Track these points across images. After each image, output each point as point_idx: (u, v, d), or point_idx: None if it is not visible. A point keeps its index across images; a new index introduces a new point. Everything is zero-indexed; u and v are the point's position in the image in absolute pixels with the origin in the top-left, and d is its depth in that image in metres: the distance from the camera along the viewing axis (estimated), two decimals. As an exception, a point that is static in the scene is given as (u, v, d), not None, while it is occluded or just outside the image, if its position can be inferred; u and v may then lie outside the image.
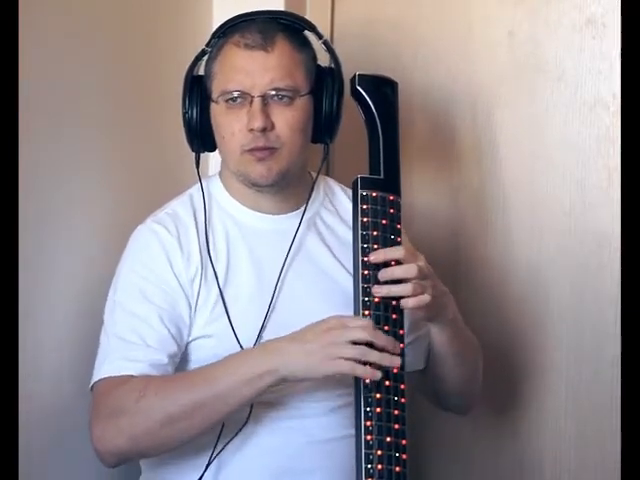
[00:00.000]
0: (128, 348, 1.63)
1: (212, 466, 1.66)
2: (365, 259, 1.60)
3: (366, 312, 1.59)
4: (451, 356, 1.78)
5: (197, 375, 1.62)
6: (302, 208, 1.78)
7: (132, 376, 1.61)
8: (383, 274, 1.60)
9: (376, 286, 1.60)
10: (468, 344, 1.83)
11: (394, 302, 1.61)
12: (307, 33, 1.76)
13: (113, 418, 1.59)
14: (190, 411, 1.57)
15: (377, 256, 1.61)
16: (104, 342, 1.68)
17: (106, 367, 1.64)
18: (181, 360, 1.69)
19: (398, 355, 1.55)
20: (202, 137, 1.74)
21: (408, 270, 1.61)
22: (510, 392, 2.15)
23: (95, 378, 1.64)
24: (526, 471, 2.14)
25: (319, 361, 1.53)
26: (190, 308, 1.68)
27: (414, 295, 1.60)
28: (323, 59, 1.77)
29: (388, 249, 1.62)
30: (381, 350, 1.54)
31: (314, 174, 1.82)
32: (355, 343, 1.53)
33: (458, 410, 1.97)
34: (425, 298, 1.61)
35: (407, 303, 1.61)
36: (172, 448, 1.64)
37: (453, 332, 1.75)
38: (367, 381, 1.55)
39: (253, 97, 1.67)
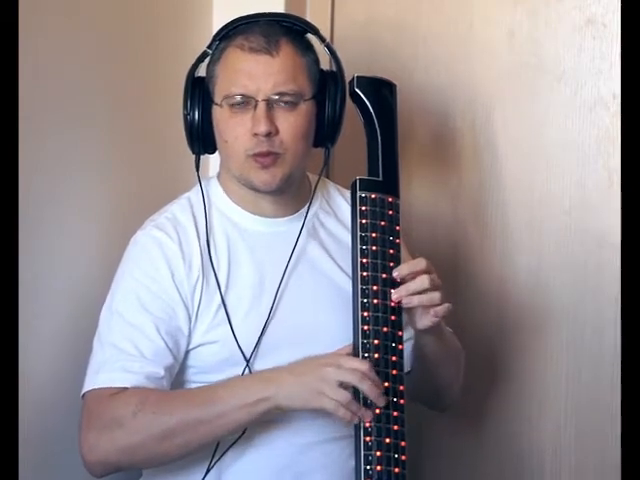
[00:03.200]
0: (124, 359, 1.62)
1: (213, 469, 1.66)
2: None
3: (365, 313, 1.60)
4: (438, 360, 1.78)
5: (195, 395, 1.62)
6: (302, 211, 1.78)
7: (127, 388, 1.61)
8: (400, 293, 1.61)
9: (407, 297, 1.62)
10: (452, 346, 1.83)
11: (392, 304, 1.62)
12: (309, 36, 1.75)
13: (107, 430, 1.59)
14: (186, 429, 1.57)
15: (401, 272, 1.63)
16: (98, 350, 1.66)
17: (101, 377, 1.62)
18: (180, 367, 1.69)
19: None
20: (203, 139, 1.73)
21: (434, 280, 1.63)
22: (510, 392, 2.15)
23: (88, 387, 1.63)
24: (526, 470, 2.14)
25: (308, 395, 1.55)
26: (190, 319, 1.67)
27: (440, 304, 1.63)
28: (324, 61, 1.77)
29: (411, 263, 1.64)
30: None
31: (311, 176, 1.82)
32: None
33: (438, 406, 1.97)
34: (449, 306, 1.64)
35: (438, 311, 1.63)
36: (163, 463, 1.65)
37: (442, 340, 1.75)
38: None
39: (257, 101, 1.67)
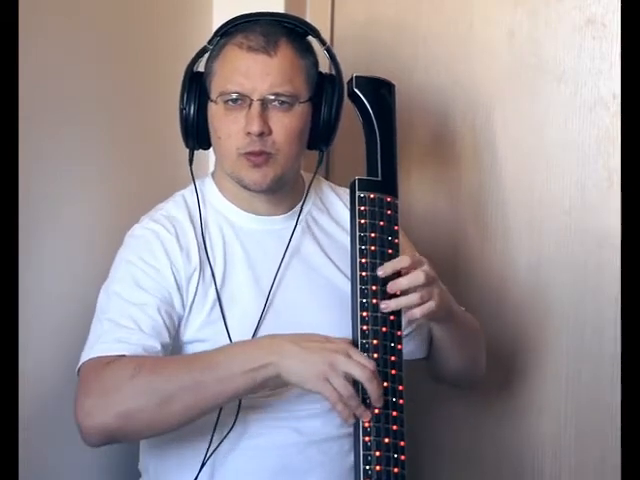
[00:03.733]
0: (122, 331, 1.61)
1: (208, 467, 1.65)
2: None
3: (364, 314, 1.59)
4: (454, 345, 1.79)
5: (194, 358, 1.60)
6: (295, 209, 1.78)
7: (124, 356, 1.59)
8: (392, 287, 1.61)
9: (383, 302, 1.60)
10: (468, 329, 1.83)
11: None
12: (310, 38, 1.75)
13: (104, 394, 1.56)
14: (185, 394, 1.55)
15: (385, 270, 1.61)
16: (96, 325, 1.65)
17: (98, 347, 1.61)
18: None
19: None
20: (198, 134, 1.73)
21: (415, 279, 1.61)
22: (510, 392, 2.15)
23: (84, 358, 1.61)
24: (526, 470, 2.14)
25: (311, 375, 1.53)
26: (183, 307, 1.67)
27: (422, 304, 1.62)
28: (323, 63, 1.77)
29: (395, 260, 1.63)
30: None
31: (305, 174, 1.82)
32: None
33: (463, 385, 1.98)
34: (431, 305, 1.63)
35: (415, 313, 1.62)
36: (163, 431, 1.61)
37: (454, 325, 1.76)
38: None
39: (252, 100, 1.67)
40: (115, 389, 1.56)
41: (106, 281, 1.70)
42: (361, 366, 1.53)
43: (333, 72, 1.76)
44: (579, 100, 2.06)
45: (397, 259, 1.63)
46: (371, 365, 1.54)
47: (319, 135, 1.74)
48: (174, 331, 1.66)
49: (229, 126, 1.68)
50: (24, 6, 1.50)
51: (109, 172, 1.89)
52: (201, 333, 1.68)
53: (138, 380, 1.55)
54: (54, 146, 1.74)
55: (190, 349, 1.68)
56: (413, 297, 1.61)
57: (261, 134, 1.66)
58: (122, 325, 1.62)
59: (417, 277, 1.62)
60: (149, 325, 1.62)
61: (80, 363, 1.62)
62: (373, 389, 1.54)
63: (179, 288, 1.67)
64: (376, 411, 1.55)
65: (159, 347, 1.62)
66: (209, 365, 1.57)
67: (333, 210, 1.84)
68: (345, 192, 1.84)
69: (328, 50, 1.76)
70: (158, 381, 1.56)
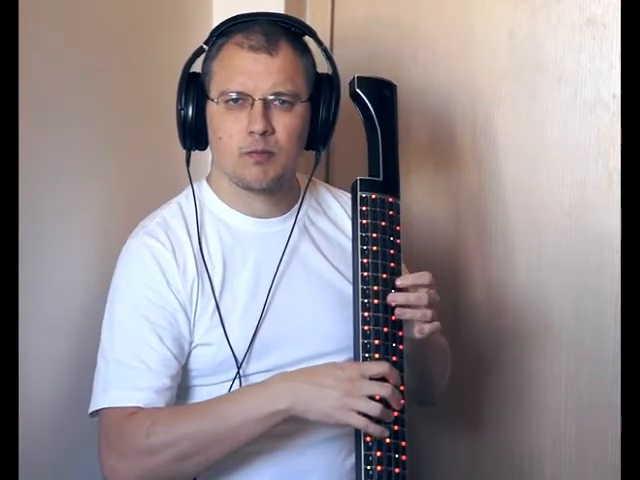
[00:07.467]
0: (131, 375, 1.61)
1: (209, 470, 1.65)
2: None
3: (365, 313, 1.60)
4: (426, 362, 1.78)
5: (206, 410, 1.60)
6: (292, 210, 1.78)
7: (139, 407, 1.60)
8: (396, 299, 1.61)
9: (399, 309, 1.61)
10: (440, 348, 1.83)
11: (393, 304, 1.62)
12: (306, 38, 1.75)
13: (125, 454, 1.58)
14: (201, 447, 1.57)
15: (405, 282, 1.63)
16: (102, 366, 1.65)
17: (110, 395, 1.61)
18: (182, 370, 1.68)
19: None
20: (195, 135, 1.73)
21: (432, 296, 1.63)
22: (510, 392, 2.15)
23: (98, 405, 1.62)
24: (526, 471, 2.14)
25: (334, 409, 1.53)
26: (189, 323, 1.67)
27: (431, 321, 1.63)
28: (319, 63, 1.77)
29: (416, 275, 1.64)
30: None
31: (300, 176, 1.82)
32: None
33: (425, 402, 1.95)
34: (437, 325, 1.64)
35: (423, 330, 1.63)
36: (185, 478, 1.64)
37: (430, 344, 1.74)
38: None
39: (254, 100, 1.67)
40: (133, 450, 1.58)
41: (107, 307, 1.68)
42: (379, 384, 1.54)
43: (330, 72, 1.76)
44: (579, 100, 2.06)
45: (419, 274, 1.65)
46: (385, 367, 1.54)
47: (317, 135, 1.74)
48: (182, 355, 1.66)
49: (230, 126, 1.68)
50: (24, 6, 1.50)
51: (109, 172, 1.88)
52: (205, 338, 1.68)
53: (154, 440, 1.57)
54: (54, 146, 1.74)
55: (197, 353, 1.68)
56: (427, 312, 1.62)
57: (264, 133, 1.66)
58: (131, 366, 1.62)
59: (423, 298, 1.62)
60: (156, 361, 1.63)
61: (94, 408, 1.63)
62: (395, 401, 1.55)
63: (181, 305, 1.66)
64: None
65: (169, 382, 1.63)
66: (221, 416, 1.57)
67: (330, 211, 1.84)
68: (342, 193, 1.85)
69: (325, 51, 1.76)
70: (173, 439, 1.57)
